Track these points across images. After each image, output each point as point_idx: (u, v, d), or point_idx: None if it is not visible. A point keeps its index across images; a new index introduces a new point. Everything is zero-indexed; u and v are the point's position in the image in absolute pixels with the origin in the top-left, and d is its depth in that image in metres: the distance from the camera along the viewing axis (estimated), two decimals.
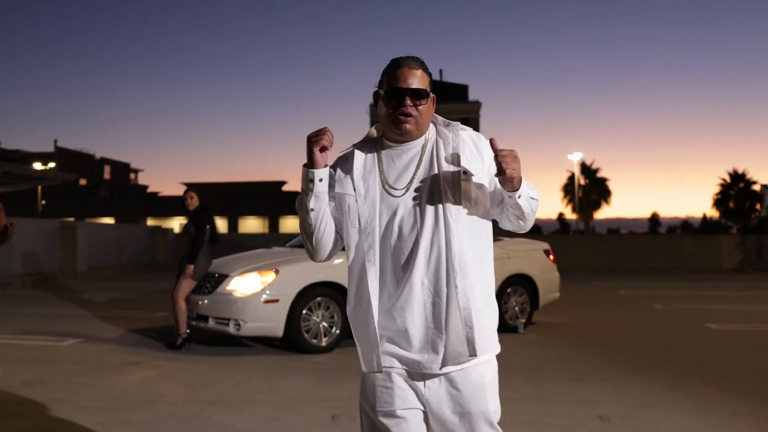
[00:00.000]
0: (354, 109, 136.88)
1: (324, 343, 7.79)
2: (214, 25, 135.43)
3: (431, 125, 2.42)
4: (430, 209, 2.28)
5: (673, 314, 11.57)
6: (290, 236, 27.73)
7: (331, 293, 7.92)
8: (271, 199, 55.65)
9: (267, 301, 7.56)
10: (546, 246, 10.29)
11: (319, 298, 7.83)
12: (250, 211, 56.10)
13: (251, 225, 56.92)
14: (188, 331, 7.92)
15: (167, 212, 56.75)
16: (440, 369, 2.28)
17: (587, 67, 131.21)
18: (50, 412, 5.23)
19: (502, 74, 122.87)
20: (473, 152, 2.35)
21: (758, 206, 62.39)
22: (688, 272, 22.59)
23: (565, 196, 61.10)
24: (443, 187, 2.29)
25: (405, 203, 2.30)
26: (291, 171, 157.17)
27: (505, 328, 9.30)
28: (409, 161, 2.35)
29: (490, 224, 2.41)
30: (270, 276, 7.67)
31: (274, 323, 7.58)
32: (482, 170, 2.33)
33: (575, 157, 48.87)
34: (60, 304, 12.41)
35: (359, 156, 2.39)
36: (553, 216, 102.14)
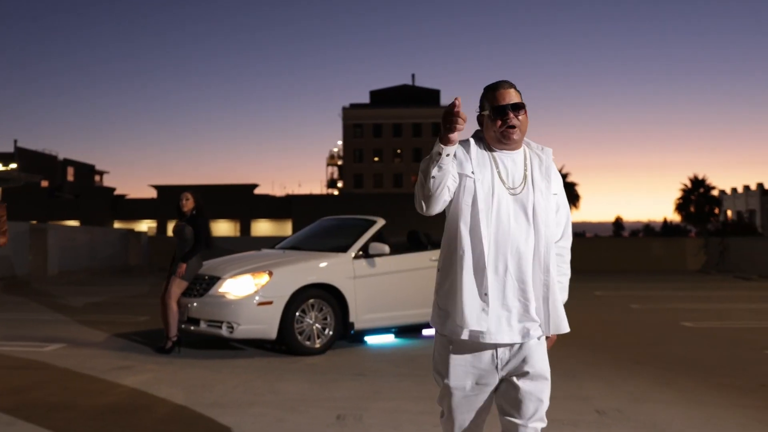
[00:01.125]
0: (327, 112, 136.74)
1: (317, 345, 7.81)
2: (184, 26, 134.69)
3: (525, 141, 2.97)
4: (531, 210, 2.82)
5: (649, 314, 11.80)
6: (264, 239, 27.66)
7: (324, 295, 7.94)
8: (242, 203, 55.34)
9: (260, 303, 7.56)
10: None
11: (311, 300, 7.85)
12: (221, 214, 55.70)
13: (222, 228, 56.52)
14: (178, 334, 7.88)
15: (135, 215, 56.13)
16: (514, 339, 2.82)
17: (557, 73, 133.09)
18: (47, 418, 5.14)
19: (474, 79, 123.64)
20: (555, 173, 2.92)
21: (717, 210, 63.82)
22: (657, 274, 23.00)
23: None
24: (538, 197, 2.83)
25: (515, 198, 2.83)
26: (263, 174, 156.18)
27: None
28: (517, 165, 2.89)
29: (555, 233, 2.95)
30: (263, 278, 7.67)
31: (268, 325, 7.58)
32: (558, 190, 2.92)
33: None
34: (36, 309, 12.22)
35: (474, 146, 2.88)
36: None
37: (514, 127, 2.81)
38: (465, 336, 2.77)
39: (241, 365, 7.19)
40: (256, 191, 59.23)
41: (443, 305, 2.88)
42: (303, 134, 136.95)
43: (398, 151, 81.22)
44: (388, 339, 8.81)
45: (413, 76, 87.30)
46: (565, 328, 2.87)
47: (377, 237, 8.69)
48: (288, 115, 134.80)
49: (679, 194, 63.58)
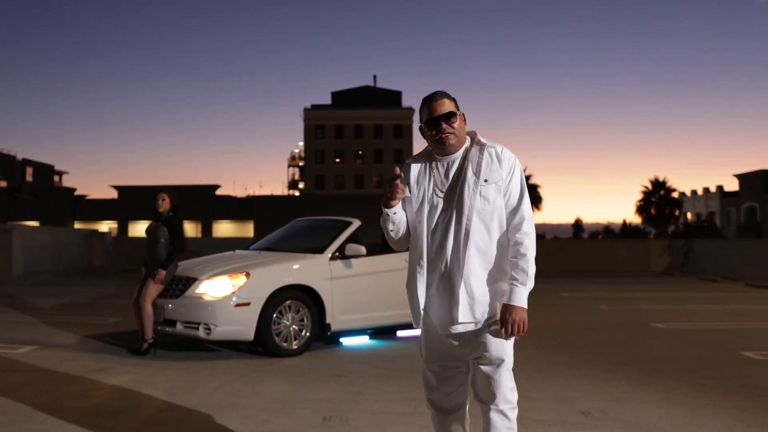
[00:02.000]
0: (288, 113, 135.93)
1: (295, 346, 7.78)
2: (145, 26, 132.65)
3: (468, 139, 3.25)
4: (455, 206, 3.12)
5: (619, 315, 11.97)
6: (226, 240, 27.40)
7: (301, 296, 7.91)
8: (204, 203, 54.72)
9: (238, 305, 7.49)
10: None
11: (288, 302, 7.81)
12: (183, 215, 54.96)
13: (184, 229, 55.81)
14: (154, 336, 7.77)
15: (95, 216, 55.15)
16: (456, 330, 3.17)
17: (519, 75, 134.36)
18: (30, 420, 5.05)
19: (437, 81, 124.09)
20: (494, 165, 3.14)
21: (677, 212, 65.03)
22: (622, 275, 23.37)
23: None
24: (465, 192, 3.10)
25: (444, 198, 3.16)
26: (224, 175, 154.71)
27: None
28: (455, 167, 3.19)
29: (503, 224, 3.15)
30: (241, 279, 7.61)
31: (246, 327, 7.52)
32: (500, 179, 3.13)
33: None
34: (4, 311, 11.94)
35: (414, 166, 3.28)
36: None
37: (447, 134, 3.12)
38: (419, 325, 3.29)
39: (220, 367, 7.12)
40: (218, 192, 58.72)
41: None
42: (264, 135, 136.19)
43: (360, 152, 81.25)
44: (363, 340, 8.80)
45: (375, 77, 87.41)
46: (488, 316, 3.14)
47: (353, 238, 8.68)
48: (249, 116, 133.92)
49: (640, 196, 64.65)
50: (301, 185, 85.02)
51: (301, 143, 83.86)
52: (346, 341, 8.63)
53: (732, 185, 60.32)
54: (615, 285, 18.93)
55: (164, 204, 8.05)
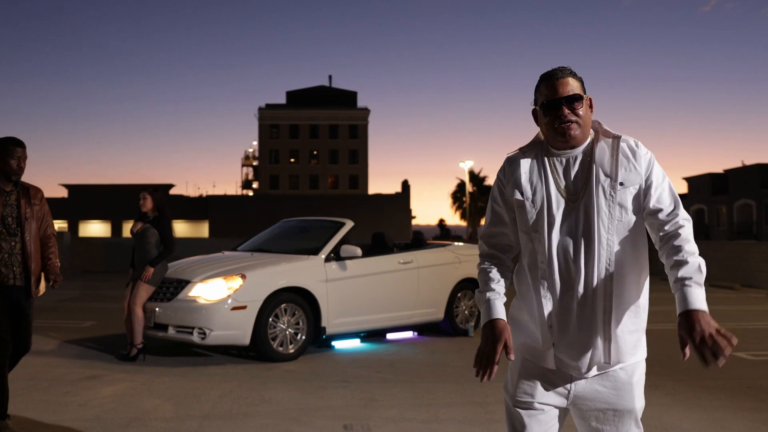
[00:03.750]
0: (242, 112, 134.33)
1: (291, 351, 7.54)
2: (98, 22, 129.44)
3: (592, 131, 2.52)
4: (597, 216, 2.38)
5: None
6: (182, 241, 26.80)
7: (297, 299, 7.68)
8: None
9: (234, 308, 7.22)
10: None
11: (284, 305, 7.58)
12: (135, 214, 53.99)
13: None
14: (143, 341, 7.46)
15: None
16: (586, 373, 2.42)
17: (478, 75, 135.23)
18: None
19: (392, 81, 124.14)
20: (629, 164, 2.42)
21: None
22: None
23: (454, 203, 62.58)
24: (598, 196, 2.39)
25: (575, 207, 2.42)
26: (177, 174, 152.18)
27: (455, 331, 9.36)
28: (575, 168, 2.47)
29: (643, 235, 2.47)
30: (237, 281, 7.34)
31: (242, 331, 7.25)
32: (638, 182, 2.41)
33: (466, 165, 50.10)
34: None
35: (524, 161, 2.53)
36: (434, 222, 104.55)
37: (570, 122, 2.41)
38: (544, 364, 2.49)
39: (217, 373, 6.85)
40: (172, 192, 57.70)
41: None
42: (218, 134, 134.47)
43: (315, 152, 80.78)
44: (355, 344, 8.62)
45: (330, 77, 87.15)
46: (628, 359, 2.43)
47: (346, 239, 8.49)
48: (203, 114, 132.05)
49: None
50: (255, 185, 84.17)
51: (256, 143, 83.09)
52: (338, 345, 8.43)
53: (681, 188, 61.69)
54: None
55: (146, 203, 7.72)
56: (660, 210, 2.39)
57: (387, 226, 20.11)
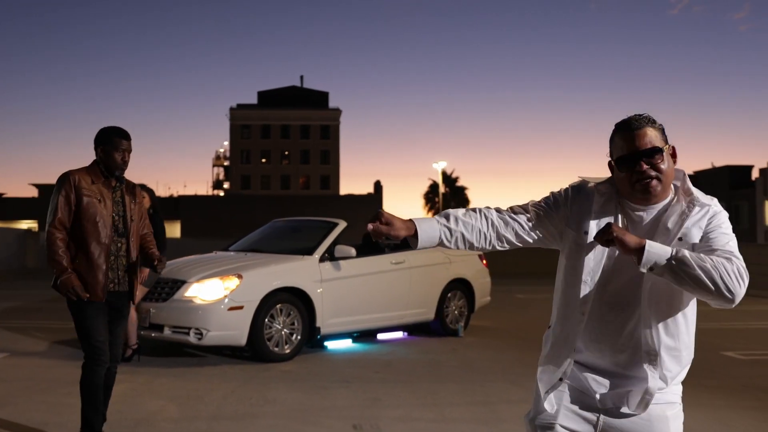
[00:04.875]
0: (213, 112, 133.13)
1: (287, 351, 7.53)
2: (67, 22, 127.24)
3: (673, 186, 2.29)
4: (642, 274, 2.18)
5: None
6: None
7: (292, 299, 7.67)
8: None
9: (231, 308, 7.18)
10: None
11: (279, 305, 7.56)
12: None
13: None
14: (138, 342, 7.39)
15: (14, 215, 52.70)
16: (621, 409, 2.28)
17: (450, 77, 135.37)
18: None
19: (364, 82, 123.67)
20: (696, 221, 2.22)
21: None
22: None
23: (427, 203, 62.78)
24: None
25: (629, 265, 2.20)
26: (147, 174, 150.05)
27: (446, 331, 9.41)
28: (649, 225, 2.26)
29: (687, 299, 2.28)
30: (233, 281, 7.30)
31: (239, 331, 7.22)
32: (698, 236, 2.20)
33: (440, 166, 50.30)
34: None
35: (598, 199, 2.32)
36: None
37: (650, 178, 2.19)
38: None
39: (215, 374, 6.82)
40: None
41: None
42: (189, 134, 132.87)
43: (286, 152, 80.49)
44: (347, 344, 8.63)
45: (302, 77, 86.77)
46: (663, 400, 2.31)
47: (340, 239, 8.50)
48: (173, 114, 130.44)
49: None
50: (226, 185, 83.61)
51: (227, 143, 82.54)
52: (330, 345, 8.43)
53: None
54: None
55: (145, 202, 7.61)
56: (711, 246, 2.17)
57: (360, 227, 20.18)
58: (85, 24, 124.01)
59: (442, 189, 60.07)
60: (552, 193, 2.44)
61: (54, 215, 4.25)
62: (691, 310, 2.31)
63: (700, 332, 9.34)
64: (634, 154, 2.19)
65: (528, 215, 2.35)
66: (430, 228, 2.22)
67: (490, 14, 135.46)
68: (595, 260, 2.26)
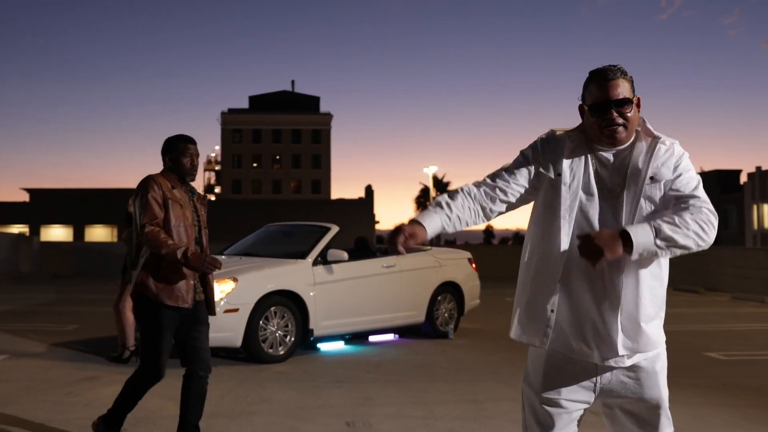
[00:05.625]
0: (205, 116, 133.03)
1: (281, 352, 7.72)
2: (60, 26, 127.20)
3: (635, 130, 2.54)
4: (619, 211, 2.46)
5: None
6: None
7: (286, 302, 7.86)
8: (120, 208, 52.92)
9: (227, 311, 7.36)
10: (469, 255, 10.72)
11: (274, 307, 7.75)
12: (98, 219, 53.23)
13: (99, 234, 53.94)
14: (135, 343, 7.56)
15: (4, 219, 52.60)
16: (604, 362, 2.48)
17: (441, 82, 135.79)
18: None
19: (355, 87, 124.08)
20: (663, 160, 2.48)
21: None
22: None
23: (418, 207, 63.05)
24: (629, 192, 2.46)
25: (612, 204, 2.48)
26: (139, 178, 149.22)
27: (436, 334, 9.61)
28: (613, 165, 2.52)
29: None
30: (229, 284, 7.49)
31: (234, 333, 7.41)
32: (668, 176, 2.46)
33: (431, 171, 50.54)
34: None
35: (569, 145, 2.56)
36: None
37: (617, 125, 2.45)
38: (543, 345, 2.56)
39: (211, 374, 6.96)
40: None
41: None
42: None
43: (277, 157, 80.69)
44: (339, 346, 8.82)
45: (293, 82, 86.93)
46: (649, 348, 2.50)
47: (333, 244, 8.70)
48: (165, 118, 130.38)
49: None
50: (217, 189, 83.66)
51: (218, 147, 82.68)
52: (323, 347, 8.63)
53: None
54: None
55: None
56: (680, 192, 2.44)
57: (351, 231, 20.27)
58: (76, 29, 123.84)
59: (433, 193, 60.33)
60: (521, 151, 2.67)
61: (146, 213, 4.14)
62: (663, 264, 2.52)
63: (684, 334, 9.74)
64: (606, 102, 2.44)
65: (505, 179, 2.59)
66: (433, 222, 2.50)
67: (482, 19, 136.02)
68: (571, 199, 2.49)
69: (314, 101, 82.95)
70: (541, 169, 2.56)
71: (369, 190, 63.64)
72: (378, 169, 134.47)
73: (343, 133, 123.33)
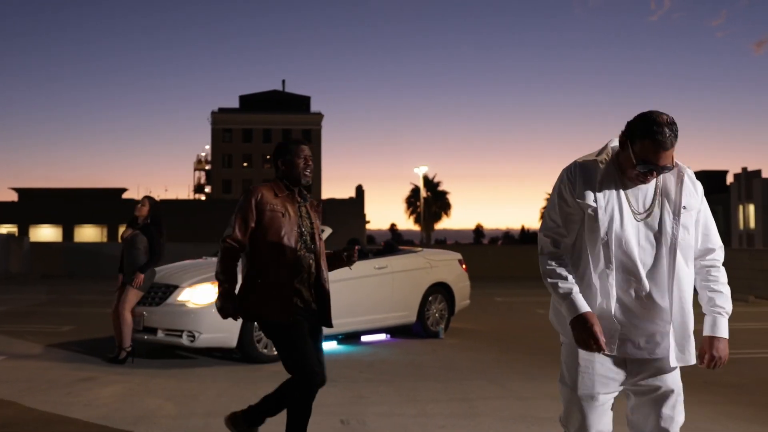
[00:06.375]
0: (195, 116, 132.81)
1: (275, 352, 7.85)
2: (49, 25, 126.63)
3: None
4: (661, 233, 2.79)
5: None
6: None
7: None
8: (110, 208, 53.00)
9: None
10: (459, 256, 10.91)
11: None
12: (87, 219, 53.16)
13: (88, 234, 53.86)
14: (132, 344, 7.69)
15: None
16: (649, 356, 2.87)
17: (432, 82, 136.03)
18: None
19: (346, 86, 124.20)
20: (691, 191, 2.84)
21: None
22: (542, 280, 24.24)
23: (408, 207, 63.21)
24: (663, 218, 2.80)
25: (644, 224, 2.80)
26: (129, 178, 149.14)
27: (427, 333, 9.79)
28: (647, 190, 2.83)
29: (693, 254, 2.89)
30: None
31: (229, 334, 7.55)
32: (696, 206, 2.84)
33: (421, 171, 50.71)
34: None
35: (600, 171, 2.82)
36: (385, 227, 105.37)
37: (654, 179, 2.79)
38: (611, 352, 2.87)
39: (207, 374, 7.14)
40: (125, 195, 57.08)
41: None
42: (170, 138, 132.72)
43: (268, 156, 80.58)
44: (332, 346, 8.98)
45: (284, 81, 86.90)
46: (678, 358, 2.87)
47: (326, 245, 8.83)
48: (155, 118, 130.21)
49: (544, 203, 67.27)
50: (207, 189, 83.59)
51: (208, 147, 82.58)
52: None
53: None
54: (541, 290, 19.69)
55: (143, 210, 7.87)
56: (710, 248, 2.92)
57: (342, 232, 20.43)
58: (66, 29, 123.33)
59: (423, 193, 60.51)
60: (557, 193, 2.90)
61: (230, 227, 4.09)
62: (691, 284, 2.92)
63: None
64: (657, 167, 2.70)
65: (573, 224, 2.87)
66: (582, 301, 2.82)
67: (472, 20, 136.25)
68: (608, 221, 2.76)
69: (305, 101, 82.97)
70: (578, 200, 2.81)
71: (360, 190, 63.74)
72: (368, 170, 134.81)
73: (334, 133, 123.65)
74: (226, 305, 4.04)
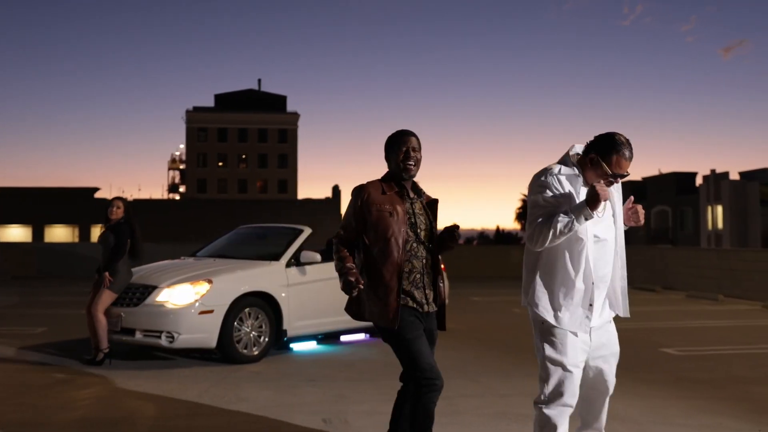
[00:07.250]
0: (169, 114, 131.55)
1: (255, 353, 7.86)
2: (20, 21, 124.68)
3: None
4: (614, 222, 3.80)
5: None
6: None
7: (260, 303, 8.00)
8: (82, 207, 52.38)
9: (202, 312, 7.49)
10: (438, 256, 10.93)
11: (248, 309, 7.88)
12: (58, 219, 52.52)
13: (59, 234, 53.21)
14: (109, 345, 7.64)
15: None
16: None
17: (408, 82, 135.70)
18: None
19: (323, 86, 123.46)
20: (618, 190, 3.82)
21: None
22: (519, 280, 24.40)
23: None
24: (617, 210, 3.82)
25: (603, 219, 3.70)
26: (100, 177, 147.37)
27: None
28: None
29: None
30: (204, 286, 7.61)
31: (209, 334, 7.53)
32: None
33: None
34: None
35: (575, 179, 3.68)
36: None
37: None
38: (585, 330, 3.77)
39: (187, 375, 7.12)
40: (97, 195, 56.43)
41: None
42: (144, 137, 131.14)
43: (243, 156, 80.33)
44: (312, 345, 8.99)
45: (259, 81, 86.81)
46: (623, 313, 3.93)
47: (305, 245, 8.85)
48: (128, 116, 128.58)
49: (519, 204, 67.64)
50: (182, 189, 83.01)
51: (183, 146, 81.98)
52: (296, 347, 8.78)
53: None
54: (514, 289, 19.81)
55: (117, 212, 7.81)
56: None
57: (319, 232, 20.30)
58: (35, 26, 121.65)
59: None
60: (547, 183, 3.65)
61: (341, 225, 4.05)
62: None
63: (641, 331, 10.08)
64: (622, 175, 3.58)
65: (554, 211, 3.60)
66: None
67: (449, 21, 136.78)
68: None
69: (281, 100, 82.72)
70: (564, 193, 3.68)
71: (336, 190, 63.76)
72: (345, 170, 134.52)
73: (310, 132, 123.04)
74: (346, 282, 3.86)
